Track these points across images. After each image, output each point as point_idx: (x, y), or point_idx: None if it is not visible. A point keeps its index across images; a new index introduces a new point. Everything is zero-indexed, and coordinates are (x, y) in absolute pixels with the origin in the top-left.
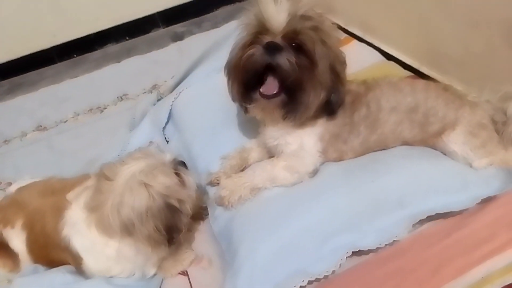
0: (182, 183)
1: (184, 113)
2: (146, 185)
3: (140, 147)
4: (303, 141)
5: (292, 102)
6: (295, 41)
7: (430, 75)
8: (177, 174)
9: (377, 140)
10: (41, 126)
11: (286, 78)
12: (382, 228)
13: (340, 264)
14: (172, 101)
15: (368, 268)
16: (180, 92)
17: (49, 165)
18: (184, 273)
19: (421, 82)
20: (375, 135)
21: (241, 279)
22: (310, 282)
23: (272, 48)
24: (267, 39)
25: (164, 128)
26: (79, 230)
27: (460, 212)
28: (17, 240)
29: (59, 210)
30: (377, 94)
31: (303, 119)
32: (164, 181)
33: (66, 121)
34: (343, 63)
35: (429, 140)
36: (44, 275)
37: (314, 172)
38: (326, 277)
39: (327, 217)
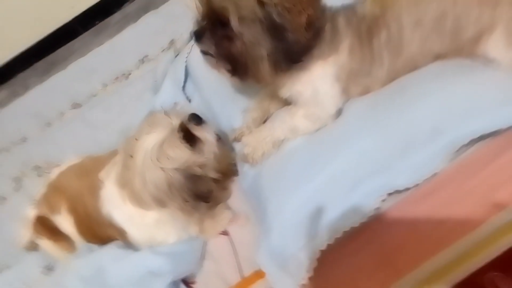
0: (198, 145)
1: (199, 69)
2: (159, 164)
3: (146, 116)
4: (317, 86)
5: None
6: (219, 18)
7: None
8: (189, 137)
9: (404, 63)
10: (75, 103)
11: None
12: (418, 162)
13: (375, 209)
14: (186, 57)
15: (408, 206)
16: (192, 46)
17: (87, 141)
18: (225, 232)
19: None
20: (401, 58)
21: (273, 238)
22: (345, 232)
23: (196, 36)
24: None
25: (183, 87)
26: (116, 205)
27: (508, 130)
28: (66, 224)
29: (95, 190)
30: (395, 11)
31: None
32: (175, 155)
33: (96, 94)
34: (296, 2)
35: (464, 49)
36: (95, 254)
37: (338, 113)
38: (362, 224)
39: (355, 161)
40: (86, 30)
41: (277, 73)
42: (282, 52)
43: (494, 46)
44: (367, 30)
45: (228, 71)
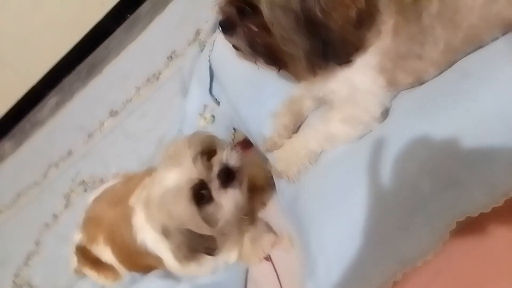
0: (210, 207)
1: (223, 68)
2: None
3: (168, 145)
4: (355, 83)
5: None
6: (246, 3)
7: None
8: (203, 195)
9: (465, 37)
10: (113, 111)
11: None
12: (495, 175)
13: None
14: (209, 55)
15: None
16: (214, 41)
17: (127, 153)
18: (267, 258)
19: None
20: (460, 32)
21: (319, 281)
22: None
23: (223, 28)
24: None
25: (210, 88)
26: (150, 234)
27: None
28: (106, 254)
29: (128, 218)
30: None
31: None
32: (176, 214)
33: (131, 99)
34: None
35: None
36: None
37: (385, 114)
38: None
39: (410, 176)
40: (119, 26)
41: (317, 72)
42: (320, 50)
43: None
44: (413, 2)
45: (269, 65)
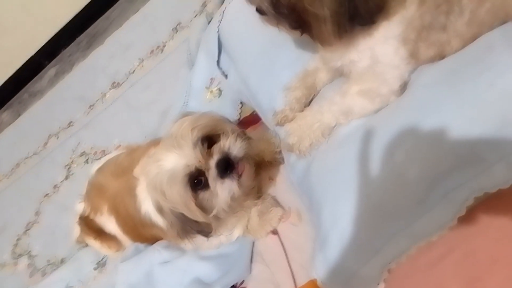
0: (206, 194)
1: (233, 40)
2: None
3: (176, 119)
4: (377, 53)
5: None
6: None
7: None
8: (200, 182)
9: (491, 9)
10: (115, 82)
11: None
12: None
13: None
14: (218, 26)
15: (502, 209)
16: (223, 12)
17: (130, 124)
18: (275, 232)
19: None
20: (487, 3)
21: (330, 251)
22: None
23: None
24: None
25: (218, 61)
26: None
27: None
28: (110, 225)
29: (132, 189)
30: None
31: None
32: (171, 197)
33: (134, 71)
34: None
35: None
36: (142, 257)
37: (403, 87)
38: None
39: (429, 151)
40: None
41: (342, 35)
42: (347, 12)
43: None
44: None
45: (293, 29)
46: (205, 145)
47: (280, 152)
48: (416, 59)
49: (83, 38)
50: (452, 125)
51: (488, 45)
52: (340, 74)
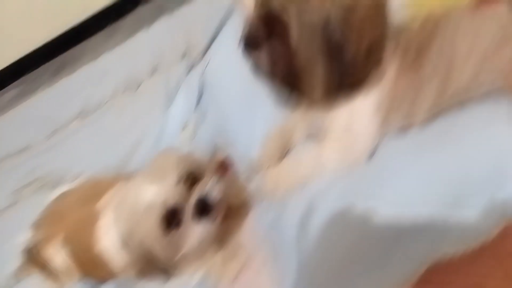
0: (177, 235)
1: (215, 87)
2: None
3: (160, 153)
4: (353, 117)
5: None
6: (275, 22)
7: None
8: (173, 221)
9: (454, 93)
10: (83, 111)
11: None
12: (467, 221)
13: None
14: (202, 72)
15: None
16: (208, 60)
17: (94, 155)
18: (237, 278)
19: (503, 12)
20: (451, 88)
21: None
22: None
23: (246, 44)
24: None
25: (197, 105)
26: (113, 240)
27: None
28: (61, 256)
29: (93, 221)
30: (447, 37)
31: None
32: (140, 234)
33: (106, 102)
34: (358, 27)
35: None
36: None
37: (374, 151)
38: None
39: (393, 214)
40: (98, 32)
41: (328, 98)
42: (337, 78)
43: None
44: (416, 54)
45: (283, 88)
46: (187, 183)
47: (250, 199)
48: (387, 127)
49: (52, 64)
50: (413, 190)
51: (449, 122)
52: (315, 134)
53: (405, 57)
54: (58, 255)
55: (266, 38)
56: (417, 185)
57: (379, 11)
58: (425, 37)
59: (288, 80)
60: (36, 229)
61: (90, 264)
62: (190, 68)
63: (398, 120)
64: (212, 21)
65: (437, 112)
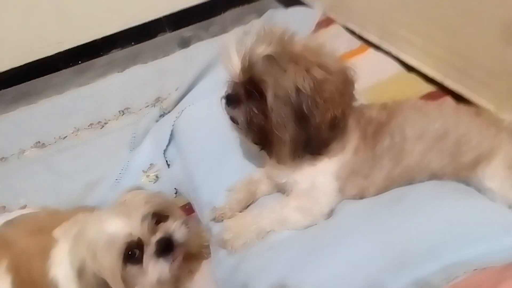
0: (137, 270)
1: (186, 135)
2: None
3: (129, 190)
4: (316, 180)
5: (267, 149)
6: (255, 88)
7: (456, 90)
8: (131, 253)
9: (402, 173)
10: (39, 143)
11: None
12: (411, 284)
13: None
14: (174, 121)
15: None
16: (182, 111)
17: (46, 188)
18: None
19: (450, 106)
20: (400, 167)
21: None
22: None
23: (228, 100)
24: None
25: (165, 150)
26: (66, 271)
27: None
28: (2, 284)
29: (46, 250)
30: (400, 121)
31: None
32: (102, 263)
33: (66, 137)
34: (327, 99)
35: (462, 173)
36: None
37: (330, 213)
38: None
39: (346, 272)
40: (67, 68)
41: (295, 158)
42: (302, 141)
43: (490, 175)
44: (373, 134)
45: (256, 143)
46: (153, 220)
47: (207, 246)
48: (342, 194)
49: (10, 92)
50: (364, 252)
51: (397, 197)
52: (278, 190)
53: (364, 134)
54: (0, 281)
55: (246, 99)
56: (367, 246)
57: (347, 88)
58: (382, 119)
59: (260, 136)
60: None
61: None
62: (162, 115)
63: (353, 190)
64: (185, 75)
65: (388, 186)
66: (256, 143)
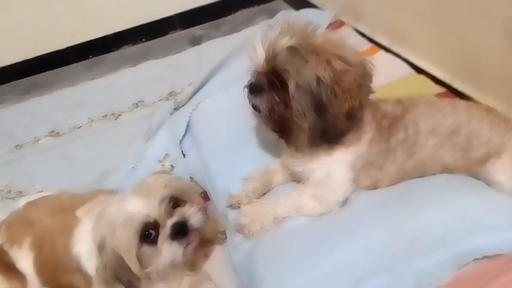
0: (152, 250)
1: (203, 127)
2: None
3: (153, 173)
4: (332, 169)
5: (286, 137)
6: (278, 77)
7: (464, 92)
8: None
9: (415, 165)
10: (54, 132)
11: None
12: (423, 270)
13: None
14: (190, 113)
15: None
16: (198, 103)
17: (61, 175)
18: None
19: (462, 102)
20: (413, 160)
21: None
22: None
23: (251, 89)
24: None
25: (181, 140)
26: (89, 247)
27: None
28: (25, 261)
29: (69, 228)
30: (414, 115)
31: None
32: (120, 241)
33: (80, 127)
34: (346, 90)
35: (472, 167)
36: None
37: (344, 202)
38: None
39: (360, 256)
40: (78, 61)
41: (312, 147)
42: (320, 130)
43: (500, 170)
44: (388, 127)
45: (276, 132)
46: (170, 204)
47: (222, 232)
48: (357, 184)
49: (22, 83)
50: (377, 239)
51: (410, 188)
52: (293, 179)
53: (380, 126)
54: (23, 259)
55: (268, 88)
56: (380, 233)
57: (365, 80)
58: (397, 113)
59: (281, 124)
60: (3, 230)
61: (55, 271)
62: (176, 108)
63: (367, 181)
64: (198, 71)
65: (401, 178)
66: (275, 131)
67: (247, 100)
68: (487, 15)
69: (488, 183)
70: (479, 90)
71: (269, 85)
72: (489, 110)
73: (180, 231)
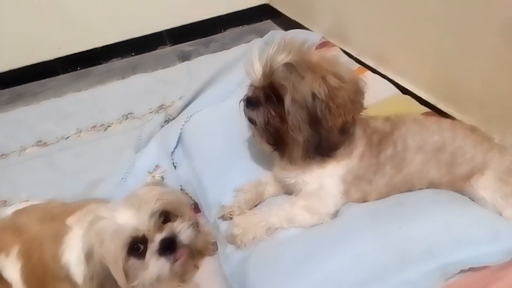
0: (139, 264)
1: (195, 139)
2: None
3: (143, 186)
4: (324, 182)
5: (280, 150)
6: (274, 92)
7: (448, 112)
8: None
9: (403, 180)
10: (41, 142)
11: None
12: (411, 280)
13: None
14: (183, 125)
15: None
16: (191, 116)
17: (48, 184)
18: None
19: (447, 121)
20: (401, 175)
21: None
22: None
23: (248, 103)
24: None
25: (172, 152)
26: (78, 255)
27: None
28: (12, 270)
29: (59, 236)
30: (403, 132)
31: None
32: (107, 252)
33: (68, 137)
34: (340, 105)
35: (457, 183)
36: None
37: (335, 214)
38: None
39: (351, 265)
40: (65, 73)
41: (305, 159)
42: (314, 143)
43: (483, 186)
44: (378, 142)
45: (271, 144)
46: (161, 219)
47: (213, 243)
48: (347, 197)
49: (6, 93)
50: (367, 249)
51: (398, 201)
52: (285, 192)
53: (370, 142)
54: (10, 267)
55: (265, 102)
56: (370, 244)
57: (358, 97)
58: (386, 129)
59: (276, 137)
60: None
61: (43, 279)
62: (167, 120)
63: (356, 194)
64: (189, 86)
65: (389, 192)
66: (270, 144)
67: (243, 113)
68: (469, 41)
69: (473, 198)
70: (461, 112)
71: (265, 99)
72: (473, 129)
73: (168, 246)
